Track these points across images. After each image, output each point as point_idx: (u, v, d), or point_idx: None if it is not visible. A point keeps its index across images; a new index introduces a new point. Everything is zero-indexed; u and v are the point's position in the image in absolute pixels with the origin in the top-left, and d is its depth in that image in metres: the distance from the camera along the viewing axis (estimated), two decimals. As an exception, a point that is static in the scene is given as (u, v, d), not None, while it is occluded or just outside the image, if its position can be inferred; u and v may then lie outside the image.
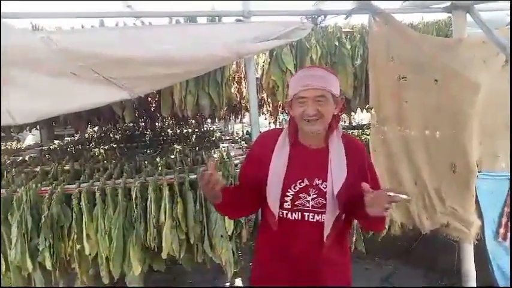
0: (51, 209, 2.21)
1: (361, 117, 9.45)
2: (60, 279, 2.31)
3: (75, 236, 2.24)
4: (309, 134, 1.42)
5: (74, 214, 2.25)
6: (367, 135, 4.53)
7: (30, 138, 6.89)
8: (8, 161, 3.45)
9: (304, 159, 1.46)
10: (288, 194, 1.44)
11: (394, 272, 3.44)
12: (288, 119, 1.57)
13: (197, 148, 3.68)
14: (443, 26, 3.18)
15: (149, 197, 2.30)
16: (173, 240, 2.32)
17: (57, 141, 5.38)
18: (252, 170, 1.53)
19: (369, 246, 2.90)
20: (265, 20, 2.36)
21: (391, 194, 1.24)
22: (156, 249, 2.36)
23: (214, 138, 4.84)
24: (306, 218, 1.44)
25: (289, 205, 1.45)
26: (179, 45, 2.05)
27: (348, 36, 3.05)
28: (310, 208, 1.44)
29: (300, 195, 1.44)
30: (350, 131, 4.96)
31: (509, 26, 2.53)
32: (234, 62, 3.46)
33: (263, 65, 3.07)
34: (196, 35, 2.16)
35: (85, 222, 2.23)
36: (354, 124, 6.64)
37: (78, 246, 2.25)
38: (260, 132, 2.15)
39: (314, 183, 1.43)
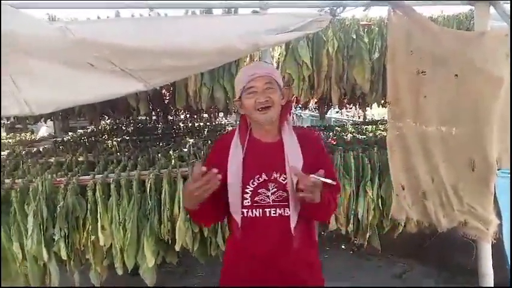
0: (67, 200, 2.22)
1: (372, 112, 9.35)
2: (75, 270, 2.33)
3: (90, 226, 2.25)
4: (262, 127, 1.44)
5: (88, 205, 2.26)
6: (381, 130, 4.48)
7: (44, 130, 6.96)
8: (23, 152, 3.49)
9: (259, 154, 1.45)
10: (247, 190, 1.42)
11: (407, 269, 3.40)
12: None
13: (209, 141, 3.67)
14: (464, 19, 3.10)
15: (163, 189, 2.30)
16: (187, 233, 2.32)
17: (71, 133, 5.44)
18: None
19: (381, 243, 2.87)
20: (282, 12, 2.32)
21: (315, 176, 1.25)
22: (169, 242, 2.36)
23: (226, 132, 4.84)
24: (268, 214, 1.42)
25: (248, 202, 1.43)
26: (195, 37, 2.02)
27: (366, 29, 2.99)
28: (271, 203, 1.42)
29: (259, 190, 1.42)
30: (364, 127, 4.90)
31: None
32: (248, 55, 3.44)
33: (278, 58, 3.04)
34: (212, 26, 2.13)
35: (100, 214, 2.24)
36: (366, 120, 6.55)
37: (92, 237, 2.26)
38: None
39: (272, 177, 1.41)
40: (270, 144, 1.46)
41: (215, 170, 1.22)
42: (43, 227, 2.18)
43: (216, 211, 1.47)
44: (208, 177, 1.22)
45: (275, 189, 1.41)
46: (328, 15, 2.23)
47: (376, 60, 2.98)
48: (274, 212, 1.42)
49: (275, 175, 1.41)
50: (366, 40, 2.93)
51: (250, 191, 1.42)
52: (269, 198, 1.42)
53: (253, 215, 1.42)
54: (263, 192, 1.42)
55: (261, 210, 1.42)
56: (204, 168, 1.22)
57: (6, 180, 2.32)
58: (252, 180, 1.42)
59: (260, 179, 1.42)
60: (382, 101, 3.36)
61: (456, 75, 2.36)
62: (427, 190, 2.55)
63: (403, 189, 2.50)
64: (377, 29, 3.00)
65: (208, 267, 3.29)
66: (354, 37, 2.92)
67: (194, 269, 3.38)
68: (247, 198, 1.42)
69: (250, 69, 1.44)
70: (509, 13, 2.14)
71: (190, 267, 3.38)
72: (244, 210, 1.43)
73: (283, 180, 1.41)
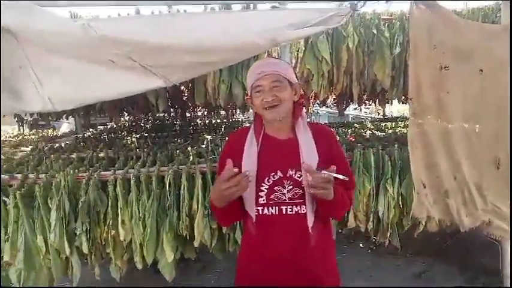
0: (88, 195, 2.26)
1: (391, 109, 9.20)
2: (96, 263, 2.38)
3: (111, 221, 2.29)
4: (274, 124, 1.42)
5: (109, 200, 2.29)
6: (401, 127, 4.40)
7: (65, 126, 7.12)
8: (46, 148, 3.57)
9: (274, 152, 1.43)
10: (262, 188, 1.40)
11: (427, 269, 3.34)
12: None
13: (227, 138, 3.67)
14: (490, 12, 3.00)
15: (182, 185, 2.31)
16: (205, 229, 2.33)
17: (91, 129, 5.54)
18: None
19: (400, 241, 2.81)
20: (302, 7, 2.29)
21: (327, 172, 1.24)
22: (188, 237, 2.38)
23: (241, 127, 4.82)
24: (284, 212, 1.40)
25: (264, 200, 1.41)
26: (214, 34, 2.02)
27: (387, 24, 2.93)
28: (287, 200, 1.40)
29: (275, 188, 1.40)
30: (383, 124, 4.83)
31: None
32: (265, 51, 3.42)
33: (297, 54, 3.01)
34: (231, 22, 2.13)
35: (120, 209, 2.27)
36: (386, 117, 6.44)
37: (113, 232, 2.30)
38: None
39: (288, 175, 1.40)
40: (284, 141, 1.45)
41: (246, 173, 1.26)
42: (65, 221, 2.22)
43: (240, 210, 1.47)
44: (239, 178, 1.23)
45: (291, 187, 1.40)
46: (348, 9, 2.19)
47: (397, 56, 2.91)
48: (290, 209, 1.40)
49: (290, 172, 1.40)
50: (387, 35, 2.87)
51: (265, 188, 1.41)
52: (285, 196, 1.40)
53: (269, 213, 1.41)
54: (279, 190, 1.40)
55: (277, 208, 1.41)
56: (235, 170, 1.23)
57: (30, 175, 2.38)
58: (267, 178, 1.40)
59: (275, 176, 1.40)
60: (403, 97, 3.29)
61: (481, 70, 2.29)
62: (449, 188, 2.49)
63: (425, 187, 2.45)
64: (398, 23, 2.93)
65: (226, 263, 3.31)
66: (375, 32, 2.86)
67: (211, 265, 3.40)
68: (262, 196, 1.41)
69: (258, 67, 1.43)
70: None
71: (207, 263, 3.40)
72: (260, 208, 1.42)
73: (299, 178, 1.39)
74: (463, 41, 2.32)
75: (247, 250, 1.55)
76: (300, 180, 1.39)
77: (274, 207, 1.41)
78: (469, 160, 2.45)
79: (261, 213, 1.42)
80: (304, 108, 1.50)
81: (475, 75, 2.31)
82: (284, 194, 1.40)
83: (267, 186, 1.40)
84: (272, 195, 1.41)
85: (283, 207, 1.40)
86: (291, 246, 1.40)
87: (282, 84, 1.37)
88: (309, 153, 1.39)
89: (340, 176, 1.26)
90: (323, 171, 1.25)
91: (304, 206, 1.39)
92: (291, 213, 1.39)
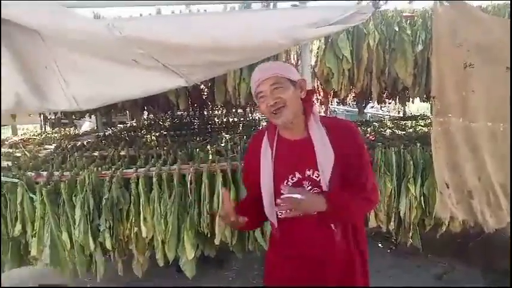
0: (111, 192, 2.30)
1: (410, 108, 9.04)
2: (119, 259, 2.42)
3: (133, 218, 2.33)
4: (287, 125, 1.40)
5: (131, 198, 2.33)
6: (422, 126, 4.33)
7: (86, 125, 7.25)
8: (69, 146, 3.65)
9: (290, 153, 1.42)
10: (283, 191, 1.39)
11: (448, 270, 3.28)
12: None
13: (245, 137, 3.68)
14: (516, 9, 2.92)
15: (203, 184, 2.33)
16: (226, 227, 2.34)
17: (110, 127, 5.63)
18: (251, 178, 1.51)
19: (421, 242, 2.78)
20: (323, 5, 2.27)
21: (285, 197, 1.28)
22: (208, 235, 2.40)
23: (261, 127, 4.84)
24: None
25: None
26: (235, 33, 2.03)
27: (409, 21, 2.88)
28: None
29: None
30: (403, 122, 4.75)
31: None
32: (284, 51, 3.41)
33: (317, 52, 2.99)
34: (252, 21, 2.13)
35: (142, 206, 2.31)
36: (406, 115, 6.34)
37: (135, 229, 2.34)
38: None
39: (306, 175, 1.38)
40: (298, 142, 1.42)
41: (242, 219, 1.34)
42: (89, 217, 2.28)
43: (261, 216, 1.47)
44: (234, 219, 1.32)
45: (310, 187, 1.39)
46: (370, 7, 2.16)
47: (419, 53, 2.86)
48: None
49: (308, 172, 1.39)
50: (409, 32, 2.82)
51: (285, 191, 1.40)
52: None
53: (292, 214, 1.40)
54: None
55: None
56: (230, 209, 1.33)
57: (55, 173, 2.44)
58: (286, 181, 1.40)
59: (294, 178, 1.40)
60: (425, 96, 3.23)
61: (508, 67, 2.23)
62: (474, 189, 2.44)
63: (448, 187, 2.40)
64: (421, 20, 2.88)
65: (243, 261, 3.32)
66: (396, 29, 2.82)
67: (230, 262, 3.42)
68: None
69: (255, 74, 1.41)
70: None
71: (226, 260, 3.42)
72: (283, 211, 1.42)
73: (317, 177, 1.38)
74: (488, 39, 2.26)
75: (273, 252, 1.57)
76: (318, 179, 1.38)
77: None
78: (494, 160, 2.40)
79: (283, 216, 1.43)
80: (314, 104, 1.47)
81: (501, 73, 2.25)
82: None
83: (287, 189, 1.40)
84: None
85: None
86: (316, 245, 1.40)
87: (282, 85, 1.34)
88: (323, 151, 1.37)
89: (295, 195, 1.28)
90: (283, 195, 1.29)
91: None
92: (314, 213, 1.37)
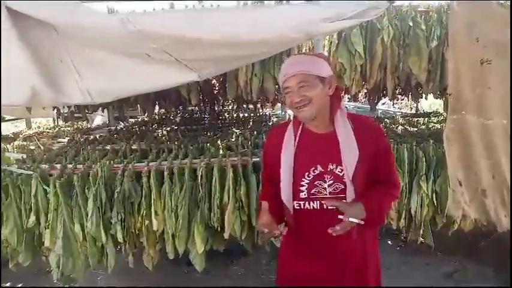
0: (123, 185, 2.32)
1: (422, 105, 8.93)
2: (130, 252, 2.45)
3: (144, 212, 2.35)
4: (310, 120, 1.40)
5: (143, 191, 2.35)
6: (435, 123, 4.27)
7: (99, 119, 7.32)
8: (82, 139, 3.70)
9: (314, 146, 1.42)
10: (303, 183, 1.40)
11: (459, 268, 3.24)
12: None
13: (255, 132, 3.68)
14: (535, 3, 2.84)
15: (214, 178, 2.34)
16: (235, 221, 2.35)
17: (122, 122, 5.68)
18: (272, 170, 1.50)
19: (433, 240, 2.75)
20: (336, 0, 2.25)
21: (345, 218, 1.31)
22: (218, 229, 2.41)
23: (271, 122, 4.83)
24: (325, 206, 1.38)
25: (305, 195, 1.41)
26: (248, 27, 2.02)
27: (424, 16, 2.83)
28: (328, 195, 1.39)
29: (316, 182, 1.40)
30: (415, 119, 4.70)
31: None
32: (296, 45, 3.39)
33: (330, 47, 2.96)
34: (265, 16, 2.11)
35: (153, 200, 2.33)
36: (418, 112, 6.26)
37: (146, 222, 2.36)
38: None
39: (329, 169, 1.38)
40: (323, 135, 1.43)
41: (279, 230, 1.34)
42: (102, 210, 2.30)
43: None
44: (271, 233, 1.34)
45: (331, 181, 1.39)
46: (385, 2, 2.14)
47: (434, 49, 2.81)
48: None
49: (331, 167, 1.39)
50: (424, 27, 2.77)
51: (306, 183, 1.41)
52: (326, 191, 1.40)
53: (311, 207, 1.42)
54: (319, 184, 1.40)
55: (318, 202, 1.41)
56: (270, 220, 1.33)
57: (69, 166, 2.47)
58: (307, 173, 1.40)
59: (316, 171, 1.40)
60: (438, 92, 3.18)
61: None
62: (487, 187, 2.40)
63: (461, 185, 2.37)
64: (436, 15, 2.83)
65: (253, 256, 3.33)
66: (411, 24, 2.77)
67: (239, 257, 3.43)
68: (303, 191, 1.42)
69: (284, 68, 1.41)
70: None
71: (235, 255, 3.44)
72: (301, 203, 1.43)
73: (340, 172, 1.38)
74: (506, 34, 2.22)
75: (288, 243, 1.57)
76: (341, 174, 1.38)
77: (315, 202, 1.42)
78: (510, 159, 2.36)
79: (302, 207, 1.43)
80: (342, 99, 1.46)
81: (519, 69, 2.20)
82: (325, 188, 1.40)
83: (308, 181, 1.41)
84: (313, 190, 1.41)
85: (324, 202, 1.39)
86: (332, 240, 1.39)
87: (309, 84, 1.33)
88: (348, 147, 1.37)
89: (356, 221, 1.30)
90: (342, 217, 1.30)
91: (345, 200, 1.38)
92: (331, 207, 1.37)
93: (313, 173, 1.40)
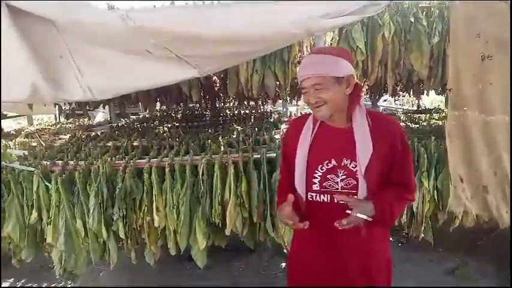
0: (125, 182, 2.33)
1: (423, 101, 8.91)
2: (132, 248, 2.46)
3: (146, 208, 2.35)
4: (326, 119, 1.40)
5: (144, 187, 2.35)
6: (436, 119, 4.26)
7: (100, 116, 7.34)
8: (83, 136, 3.70)
9: (330, 140, 1.42)
10: (316, 175, 1.42)
11: (460, 265, 3.24)
12: None
13: (256, 129, 3.68)
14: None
15: (215, 175, 2.34)
16: (237, 218, 2.36)
17: (123, 119, 5.69)
18: (290, 162, 1.51)
19: (433, 236, 2.75)
20: (337, -4, 2.23)
21: (354, 214, 1.32)
22: (219, 225, 2.42)
23: (273, 119, 4.83)
24: (336, 200, 1.39)
25: (317, 187, 1.43)
26: (248, 23, 2.01)
27: (425, 12, 2.82)
28: (339, 190, 1.39)
29: (328, 176, 1.40)
30: (416, 115, 4.69)
31: None
32: (296, 42, 3.38)
33: (331, 43, 2.95)
34: (266, 12, 2.11)
35: (155, 196, 2.33)
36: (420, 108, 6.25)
37: (148, 218, 2.37)
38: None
39: (342, 164, 1.39)
40: (341, 130, 1.42)
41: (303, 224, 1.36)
42: (103, 206, 2.31)
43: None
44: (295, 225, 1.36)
45: (344, 176, 1.39)
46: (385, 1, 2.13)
47: (435, 45, 2.80)
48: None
49: (345, 161, 1.39)
50: (425, 23, 2.76)
51: (319, 175, 1.42)
52: (338, 185, 1.40)
53: (321, 200, 1.43)
54: (332, 178, 1.41)
55: (329, 196, 1.42)
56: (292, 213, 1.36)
57: (70, 162, 2.48)
58: (321, 166, 1.41)
59: (329, 164, 1.41)
60: (440, 88, 3.17)
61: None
62: (489, 184, 2.40)
63: (462, 181, 2.37)
64: (437, 11, 2.81)
65: (254, 252, 3.34)
66: (412, 20, 2.76)
67: (240, 253, 3.44)
68: (316, 183, 1.43)
69: (301, 68, 1.41)
70: None
71: (236, 251, 3.45)
72: (313, 194, 1.44)
73: (354, 168, 1.38)
74: (507, 30, 2.20)
75: (299, 235, 1.59)
76: (354, 170, 1.38)
77: (326, 195, 1.42)
78: (511, 154, 2.35)
79: (314, 199, 1.45)
80: (361, 97, 1.44)
81: (520, 65, 2.19)
82: (337, 182, 1.40)
83: (320, 174, 1.42)
84: (325, 183, 1.42)
85: (336, 196, 1.40)
86: (339, 234, 1.39)
87: (324, 86, 1.32)
88: (363, 144, 1.36)
89: (364, 217, 1.31)
90: (351, 212, 1.31)
91: (356, 196, 1.38)
92: (342, 202, 1.36)
93: (326, 167, 1.41)
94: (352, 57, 1.47)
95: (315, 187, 1.43)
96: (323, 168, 1.41)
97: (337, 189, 1.40)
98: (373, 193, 1.37)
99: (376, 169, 1.35)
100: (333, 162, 1.40)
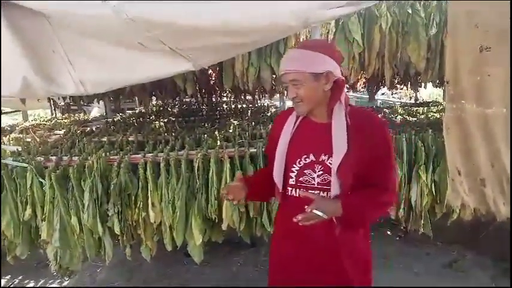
0: (120, 177, 2.30)
1: (421, 94, 8.91)
2: (127, 244, 2.44)
3: (141, 203, 2.33)
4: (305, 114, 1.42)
5: (140, 183, 2.33)
6: (434, 112, 4.24)
7: (95, 111, 7.29)
8: (78, 131, 3.67)
9: (310, 135, 1.42)
10: (293, 169, 1.41)
11: (458, 258, 3.25)
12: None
13: (253, 123, 3.66)
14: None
15: (211, 169, 2.32)
16: (233, 213, 2.34)
17: (119, 113, 5.64)
18: (271, 151, 1.52)
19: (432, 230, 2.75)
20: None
21: (310, 210, 1.28)
22: (215, 220, 2.40)
23: (270, 113, 4.81)
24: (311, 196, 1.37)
25: (293, 181, 1.42)
26: (244, 14, 1.97)
27: (423, 3, 2.79)
28: (315, 185, 1.38)
29: (305, 171, 1.39)
30: (414, 109, 4.67)
31: None
32: (292, 35, 3.35)
33: (327, 35, 2.92)
34: (262, 3, 2.07)
35: (150, 191, 2.31)
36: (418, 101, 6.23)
37: (143, 214, 2.34)
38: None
39: (320, 159, 1.37)
40: (321, 125, 1.41)
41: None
42: (98, 202, 2.28)
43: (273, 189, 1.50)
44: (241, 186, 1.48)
45: (321, 172, 1.38)
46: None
47: (433, 37, 2.78)
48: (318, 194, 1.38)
49: (323, 157, 1.37)
50: (423, 15, 2.73)
51: (296, 170, 1.41)
52: (314, 180, 1.39)
53: (297, 195, 1.42)
54: (309, 174, 1.39)
55: (303, 191, 1.40)
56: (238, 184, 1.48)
57: (64, 158, 2.45)
58: (298, 160, 1.40)
59: (307, 159, 1.39)
60: (438, 81, 3.15)
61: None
62: (487, 177, 2.38)
63: (460, 174, 2.36)
64: (435, 2, 2.79)
65: (252, 246, 3.33)
66: (410, 11, 2.73)
67: (238, 248, 3.43)
68: (292, 177, 1.42)
69: (281, 63, 1.43)
70: None
71: (234, 246, 3.44)
72: (290, 189, 1.44)
73: (330, 164, 1.35)
74: (507, 21, 2.18)
75: (276, 228, 1.62)
76: (330, 166, 1.35)
77: (302, 190, 1.41)
78: (509, 148, 2.34)
79: (289, 193, 1.44)
80: (343, 92, 1.39)
81: (519, 57, 2.17)
82: (314, 178, 1.39)
83: (297, 168, 1.41)
84: (301, 178, 1.41)
85: (311, 192, 1.38)
86: (313, 230, 1.36)
87: (301, 82, 1.33)
88: (337, 141, 1.34)
89: (319, 213, 1.27)
90: (308, 208, 1.28)
91: (328, 193, 1.37)
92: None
93: (304, 161, 1.40)
94: (338, 52, 1.44)
95: (291, 181, 1.43)
96: (301, 162, 1.40)
97: (314, 184, 1.38)
98: (348, 191, 1.34)
99: (351, 168, 1.32)
100: (311, 157, 1.38)
